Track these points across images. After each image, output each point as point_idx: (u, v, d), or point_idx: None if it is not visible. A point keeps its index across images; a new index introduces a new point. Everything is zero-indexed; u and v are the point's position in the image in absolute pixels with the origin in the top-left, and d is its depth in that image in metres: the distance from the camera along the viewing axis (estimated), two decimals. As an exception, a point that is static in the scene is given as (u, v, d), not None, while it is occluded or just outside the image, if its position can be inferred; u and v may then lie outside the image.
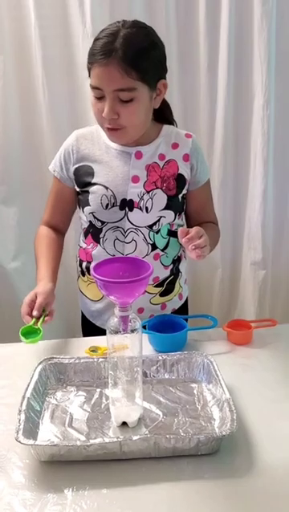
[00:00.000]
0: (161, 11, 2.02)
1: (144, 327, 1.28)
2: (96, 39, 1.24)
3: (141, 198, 1.39)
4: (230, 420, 0.95)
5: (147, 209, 1.39)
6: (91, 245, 1.46)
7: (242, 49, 2.07)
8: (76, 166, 1.43)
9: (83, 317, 1.61)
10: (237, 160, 2.24)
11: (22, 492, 0.87)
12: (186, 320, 1.36)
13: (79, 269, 1.55)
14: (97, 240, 1.44)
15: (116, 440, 0.91)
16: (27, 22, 1.95)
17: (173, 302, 1.53)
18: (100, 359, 1.17)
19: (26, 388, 1.05)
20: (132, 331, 0.98)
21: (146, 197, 1.39)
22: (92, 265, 1.45)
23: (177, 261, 1.50)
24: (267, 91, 2.07)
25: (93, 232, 1.45)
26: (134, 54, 1.21)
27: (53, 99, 2.02)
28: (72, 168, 1.43)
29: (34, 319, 1.23)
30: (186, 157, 1.43)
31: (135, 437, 0.91)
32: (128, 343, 0.99)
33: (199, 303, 2.42)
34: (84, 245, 1.49)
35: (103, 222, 1.41)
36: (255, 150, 2.18)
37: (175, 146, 1.43)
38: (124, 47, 1.20)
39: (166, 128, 1.44)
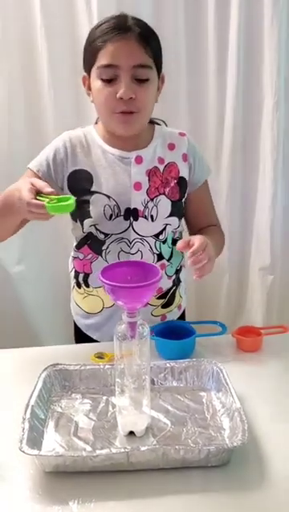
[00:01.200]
0: (170, 12, 2.00)
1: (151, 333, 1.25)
2: (101, 24, 1.23)
3: (146, 206, 1.33)
4: (241, 431, 0.92)
5: (152, 217, 1.34)
6: (90, 256, 1.38)
7: (252, 50, 2.04)
8: (73, 170, 1.32)
9: (77, 329, 1.53)
10: (245, 163, 2.22)
11: (25, 504, 0.84)
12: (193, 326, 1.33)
13: (74, 280, 1.46)
14: (98, 252, 1.36)
15: (123, 450, 0.88)
16: (33, 21, 1.94)
17: (173, 313, 1.48)
18: (107, 366, 1.14)
19: (31, 396, 1.02)
20: (141, 337, 0.95)
21: (150, 204, 1.33)
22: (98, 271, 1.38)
23: (179, 270, 1.46)
24: (277, 93, 2.05)
25: (93, 243, 1.36)
26: (148, 33, 1.22)
27: (59, 101, 2.01)
28: (67, 172, 1.32)
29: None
30: (185, 157, 1.38)
31: (143, 448, 0.88)
32: (136, 349, 0.96)
33: (206, 308, 2.40)
34: (80, 256, 1.41)
35: (106, 234, 1.33)
36: (264, 153, 2.16)
37: (172, 147, 1.38)
38: (138, 26, 1.20)
39: (158, 128, 1.39)
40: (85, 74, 1.29)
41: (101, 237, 1.34)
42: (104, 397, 1.10)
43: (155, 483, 0.88)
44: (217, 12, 2.00)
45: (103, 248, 1.35)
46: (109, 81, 1.21)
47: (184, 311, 1.56)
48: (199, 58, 2.07)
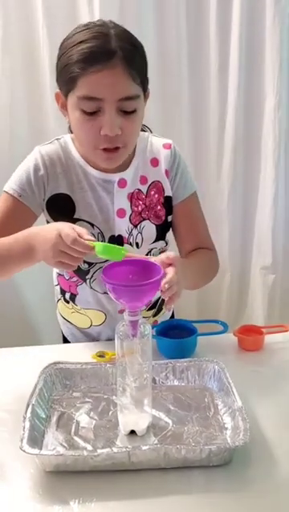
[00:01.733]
0: (171, 12, 2.00)
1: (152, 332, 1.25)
2: (79, 42, 1.03)
3: (130, 234, 1.26)
4: (243, 430, 0.91)
5: (137, 244, 1.27)
6: (75, 278, 1.31)
7: (254, 49, 2.05)
8: (52, 194, 1.22)
9: (65, 340, 1.48)
10: (247, 163, 2.22)
11: (26, 503, 0.84)
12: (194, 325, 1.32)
13: (61, 295, 1.40)
14: (83, 279, 1.30)
15: (124, 450, 0.88)
16: (35, 22, 1.94)
17: (164, 316, 1.46)
18: (108, 365, 1.14)
19: (31, 395, 1.02)
20: (142, 336, 0.94)
21: (135, 231, 1.26)
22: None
23: None
24: (279, 93, 2.05)
25: (77, 271, 1.27)
26: (134, 53, 1.06)
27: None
28: (46, 195, 1.22)
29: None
30: (167, 173, 1.28)
31: (144, 447, 0.87)
32: (138, 348, 0.95)
33: (207, 308, 2.40)
34: (65, 275, 1.33)
35: (90, 264, 1.25)
36: (266, 152, 2.16)
37: (155, 163, 1.27)
38: (123, 47, 1.03)
39: (141, 140, 1.27)
40: (58, 91, 1.13)
41: (85, 266, 1.26)
42: (105, 396, 1.10)
43: (156, 483, 0.87)
44: (218, 12, 2.00)
45: (88, 277, 1.29)
46: (91, 113, 1.06)
47: (173, 310, 1.54)
48: (201, 58, 2.07)
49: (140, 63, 1.09)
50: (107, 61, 1.02)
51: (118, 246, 1.00)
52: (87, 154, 1.19)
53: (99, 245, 0.98)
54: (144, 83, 1.10)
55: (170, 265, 1.03)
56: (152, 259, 1.02)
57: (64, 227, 0.99)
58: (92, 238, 0.99)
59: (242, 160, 2.20)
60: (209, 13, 2.02)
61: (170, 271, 1.01)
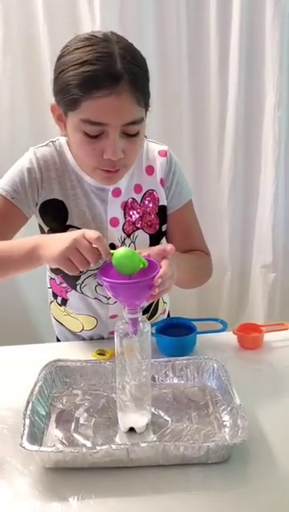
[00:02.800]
0: (172, 11, 2.01)
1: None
2: (82, 62, 0.98)
3: (123, 243, 1.23)
4: (241, 428, 0.92)
5: None
6: (65, 285, 1.29)
7: (254, 48, 2.05)
8: (46, 199, 1.20)
9: (59, 342, 1.47)
10: (247, 162, 2.23)
11: (25, 500, 0.85)
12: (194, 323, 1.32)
13: (53, 298, 1.39)
14: (73, 286, 1.27)
15: (123, 446, 0.88)
16: (35, 21, 1.94)
17: (159, 319, 1.44)
18: (108, 363, 1.14)
19: (31, 392, 1.02)
20: (141, 333, 0.95)
21: (128, 241, 1.24)
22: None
23: None
24: (279, 92, 2.05)
25: (66, 278, 1.26)
26: (140, 77, 1.02)
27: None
28: (39, 201, 1.20)
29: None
30: (162, 182, 1.25)
31: (143, 444, 0.88)
32: (137, 346, 0.96)
33: (208, 306, 2.41)
34: (56, 280, 1.31)
35: (81, 271, 1.18)
36: (266, 151, 2.16)
37: (150, 171, 1.24)
38: (129, 70, 0.98)
39: None
40: (54, 104, 1.09)
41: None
42: (105, 394, 1.10)
43: (155, 479, 0.88)
44: (219, 11, 2.01)
45: (78, 283, 1.26)
46: (93, 136, 1.03)
47: (168, 312, 1.53)
48: (201, 57, 2.08)
49: (146, 84, 1.05)
50: (113, 86, 0.97)
51: (136, 255, 0.95)
52: (86, 172, 1.17)
53: (116, 255, 0.94)
54: (147, 103, 1.07)
55: (164, 257, 1.00)
56: (147, 252, 1.01)
57: (89, 231, 0.97)
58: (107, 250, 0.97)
59: (242, 160, 2.20)
60: (209, 12, 2.02)
61: (164, 264, 0.98)
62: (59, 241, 0.98)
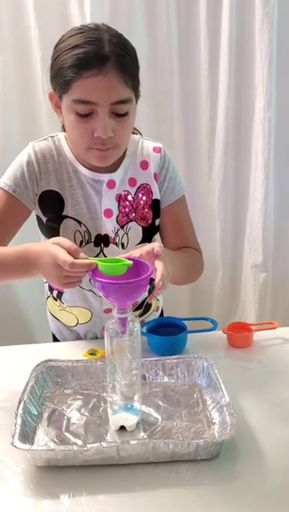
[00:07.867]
0: (162, 13, 2.02)
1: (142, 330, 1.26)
2: (73, 46, 1.06)
3: (116, 234, 1.27)
4: (230, 425, 0.93)
5: (123, 244, 1.28)
6: None
7: (243, 51, 2.07)
8: (43, 190, 1.25)
9: (54, 338, 1.50)
10: (238, 162, 2.24)
11: (17, 497, 0.86)
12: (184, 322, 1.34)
13: (49, 293, 1.42)
14: None
15: (113, 444, 0.89)
16: (27, 23, 1.95)
17: (152, 317, 1.46)
18: (99, 363, 1.16)
19: (23, 392, 1.03)
20: (131, 333, 0.96)
21: (121, 232, 1.28)
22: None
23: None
24: (268, 93, 2.07)
25: None
26: (127, 60, 1.08)
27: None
28: (38, 191, 1.25)
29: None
30: (156, 177, 1.30)
31: (133, 442, 0.89)
32: (127, 345, 0.97)
33: (199, 306, 2.42)
34: None
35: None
36: (256, 152, 2.18)
37: (144, 165, 1.29)
38: (116, 53, 1.06)
39: (132, 142, 1.29)
40: (52, 91, 1.16)
41: None
42: (96, 393, 1.11)
43: (145, 476, 0.89)
44: (208, 13, 2.02)
45: None
46: (84, 115, 1.09)
47: (162, 309, 1.55)
48: (191, 57, 2.09)
49: (133, 68, 1.11)
50: (100, 66, 1.04)
51: (118, 259, 0.98)
52: (80, 154, 1.21)
53: (101, 265, 0.96)
54: (135, 86, 1.13)
55: (157, 257, 1.03)
56: (138, 252, 1.03)
57: (57, 253, 0.99)
58: (85, 256, 1.00)
59: (232, 159, 2.22)
60: (199, 13, 2.03)
61: (159, 266, 1.01)
62: (49, 272, 1.03)
